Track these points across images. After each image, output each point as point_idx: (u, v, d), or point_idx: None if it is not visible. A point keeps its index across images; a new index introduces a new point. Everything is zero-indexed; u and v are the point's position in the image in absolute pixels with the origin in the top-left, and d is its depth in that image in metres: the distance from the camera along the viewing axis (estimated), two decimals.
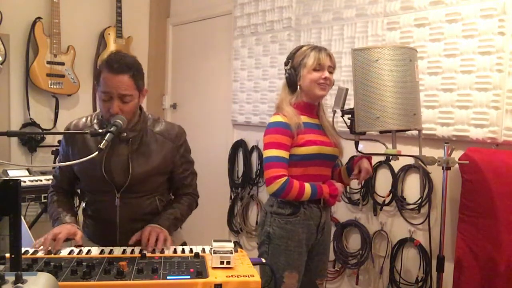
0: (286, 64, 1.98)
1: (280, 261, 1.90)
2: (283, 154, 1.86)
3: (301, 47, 1.97)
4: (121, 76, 1.62)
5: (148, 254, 1.48)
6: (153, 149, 1.77)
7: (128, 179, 1.73)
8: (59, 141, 1.91)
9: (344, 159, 2.22)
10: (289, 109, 1.92)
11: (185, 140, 1.89)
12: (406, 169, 2.38)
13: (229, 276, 1.28)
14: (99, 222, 1.84)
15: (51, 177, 2.15)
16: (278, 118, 1.90)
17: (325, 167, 1.99)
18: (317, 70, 1.90)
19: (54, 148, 3.15)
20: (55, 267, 1.31)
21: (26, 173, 2.99)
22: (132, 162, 1.73)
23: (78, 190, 1.95)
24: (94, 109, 3.72)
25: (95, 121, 1.80)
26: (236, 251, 1.44)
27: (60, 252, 1.51)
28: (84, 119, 1.83)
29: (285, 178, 1.84)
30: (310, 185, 1.88)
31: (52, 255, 1.47)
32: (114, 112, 1.61)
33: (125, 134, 1.71)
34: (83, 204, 1.90)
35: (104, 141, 1.45)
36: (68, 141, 1.81)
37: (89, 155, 1.40)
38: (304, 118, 1.93)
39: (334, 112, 1.88)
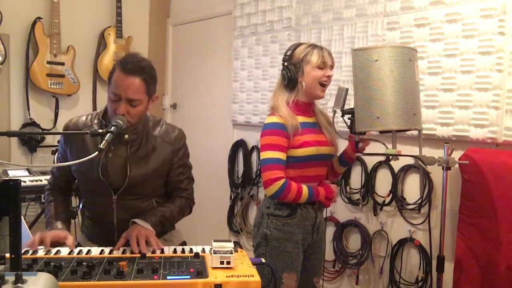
0: (285, 60, 1.94)
1: (279, 262, 1.90)
2: (280, 155, 1.85)
3: (300, 44, 1.96)
4: (133, 78, 1.60)
5: (148, 254, 1.48)
6: (152, 152, 1.75)
7: (125, 182, 1.72)
8: (59, 141, 1.90)
9: None
10: (285, 110, 1.90)
11: (184, 144, 1.85)
12: (406, 169, 2.38)
13: (229, 276, 1.28)
14: (96, 223, 1.83)
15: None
16: (274, 119, 1.89)
17: (322, 166, 1.99)
18: (321, 68, 1.90)
19: (54, 148, 3.14)
20: (55, 267, 1.31)
21: (26, 173, 3.00)
22: (130, 165, 1.71)
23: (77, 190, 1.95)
24: (94, 109, 3.72)
25: (95, 121, 1.78)
26: (236, 251, 1.44)
27: (60, 252, 1.51)
28: (84, 118, 1.81)
29: (283, 180, 1.83)
30: (307, 187, 1.88)
31: (52, 255, 1.47)
32: (120, 113, 1.59)
33: (127, 136, 1.68)
34: (81, 205, 1.89)
35: (104, 141, 1.43)
36: (66, 140, 1.80)
37: (86, 155, 1.39)
38: (301, 118, 1.92)
39: (334, 112, 1.88)
